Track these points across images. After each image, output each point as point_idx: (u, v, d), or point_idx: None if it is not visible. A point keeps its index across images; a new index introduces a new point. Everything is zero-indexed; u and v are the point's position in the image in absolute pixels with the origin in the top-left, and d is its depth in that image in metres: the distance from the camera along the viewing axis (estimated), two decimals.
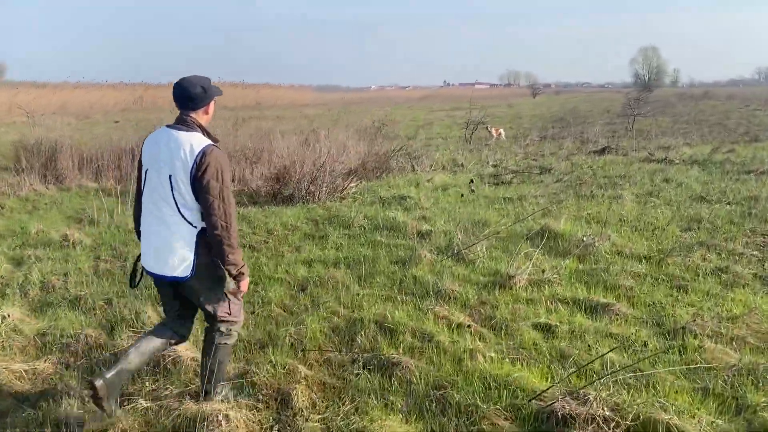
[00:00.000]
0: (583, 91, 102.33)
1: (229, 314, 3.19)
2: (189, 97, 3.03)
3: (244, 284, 3.13)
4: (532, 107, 41.19)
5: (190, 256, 2.98)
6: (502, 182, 10.90)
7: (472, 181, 9.74)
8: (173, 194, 2.96)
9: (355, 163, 11.56)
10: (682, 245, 6.32)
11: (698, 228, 7.07)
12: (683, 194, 9.16)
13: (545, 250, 6.23)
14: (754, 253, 6.04)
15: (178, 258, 2.99)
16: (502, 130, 17.80)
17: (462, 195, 9.38)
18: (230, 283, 3.04)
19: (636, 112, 21.37)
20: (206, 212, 2.93)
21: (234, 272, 3.01)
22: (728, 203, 8.39)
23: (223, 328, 3.21)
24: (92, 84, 47.04)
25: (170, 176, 2.95)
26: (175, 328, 3.27)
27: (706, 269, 5.58)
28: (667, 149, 14.37)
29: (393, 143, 16.44)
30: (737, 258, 5.92)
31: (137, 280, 3.34)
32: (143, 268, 3.19)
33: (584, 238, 6.35)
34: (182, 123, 3.05)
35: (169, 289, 3.19)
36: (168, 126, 3.10)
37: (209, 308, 3.15)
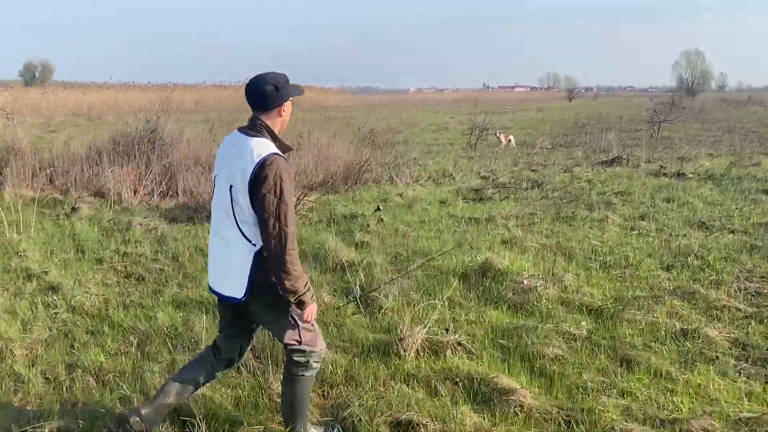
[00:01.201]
0: (623, 95, 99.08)
1: (299, 342, 2.85)
2: (258, 95, 2.74)
3: (308, 312, 2.79)
4: (561, 112, 39.32)
5: (245, 276, 2.71)
6: (482, 198, 9.62)
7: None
8: (233, 207, 2.70)
9: (333, 171, 10.47)
10: (651, 292, 5.00)
11: (682, 266, 5.71)
12: (681, 218, 7.74)
13: (476, 295, 5.00)
14: (741, 306, 4.68)
15: (234, 276, 2.76)
16: (512, 137, 16.41)
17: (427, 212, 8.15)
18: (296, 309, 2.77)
19: (662, 118, 19.67)
20: (261, 230, 2.65)
21: (293, 300, 2.71)
22: (731, 231, 6.97)
23: (296, 357, 2.89)
24: (121, 84, 47.50)
25: (231, 186, 2.70)
26: (224, 348, 3.02)
27: (667, 332, 4.26)
28: (684, 161, 12.81)
29: (385, 150, 15.39)
30: (716, 314, 4.57)
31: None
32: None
33: (524, 281, 5.08)
34: (251, 126, 2.78)
35: (227, 308, 2.94)
36: (239, 129, 2.82)
37: (276, 334, 2.92)
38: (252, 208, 2.65)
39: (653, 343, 4.09)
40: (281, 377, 3.09)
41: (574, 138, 19.13)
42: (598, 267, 5.71)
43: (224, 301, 2.88)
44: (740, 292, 5.01)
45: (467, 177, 11.83)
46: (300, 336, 2.83)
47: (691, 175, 11.04)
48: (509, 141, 16.17)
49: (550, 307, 4.72)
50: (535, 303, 4.77)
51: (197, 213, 8.07)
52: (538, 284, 5.00)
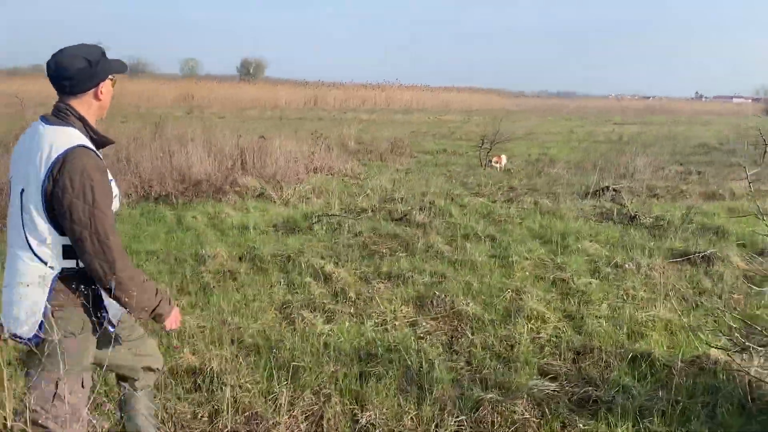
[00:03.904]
0: None
1: (53, 418, 2.23)
2: (64, 74, 2.16)
3: (169, 322, 2.36)
4: (729, 127, 32.73)
5: (37, 308, 2.12)
6: (299, 229, 7.70)
7: None
8: (23, 216, 2.13)
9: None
10: None
11: None
12: None
13: None
14: None
15: (19, 308, 2.14)
16: (504, 158, 13.54)
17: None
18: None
19: None
20: (77, 250, 2.11)
21: (146, 317, 2.29)
22: None
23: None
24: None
25: (22, 191, 2.13)
26: None
27: None
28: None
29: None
30: None
31: None
32: None
33: None
34: (55, 113, 2.21)
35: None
36: (41, 117, 2.23)
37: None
38: (52, 221, 2.10)
39: None
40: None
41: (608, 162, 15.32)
42: None
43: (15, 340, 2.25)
44: None
45: (367, 198, 9.75)
46: (54, 405, 2.21)
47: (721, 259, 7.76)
48: (498, 163, 13.37)
49: None
50: None
51: None
52: None
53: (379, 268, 5.98)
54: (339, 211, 8.79)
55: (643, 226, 8.17)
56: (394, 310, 4.86)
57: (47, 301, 2.15)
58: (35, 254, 2.14)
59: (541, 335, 4.47)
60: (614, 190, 10.49)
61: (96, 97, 2.25)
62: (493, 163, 13.11)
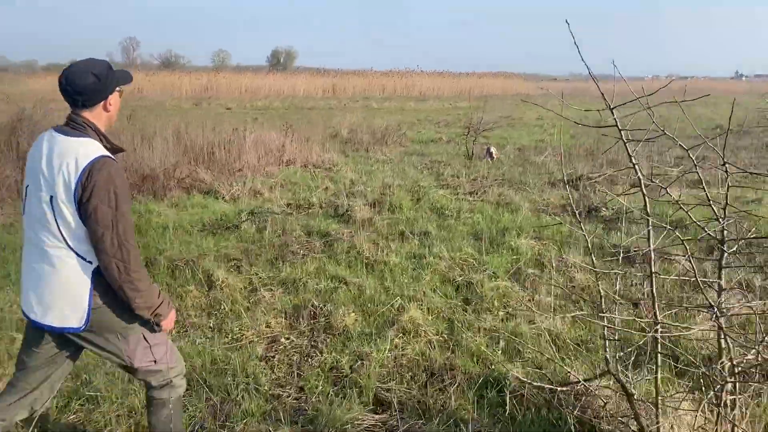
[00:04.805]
0: None
1: (155, 362, 2.55)
2: (77, 89, 2.34)
3: (166, 323, 2.54)
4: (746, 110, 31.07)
5: (83, 301, 2.35)
6: (227, 227, 7.32)
7: None
8: (57, 222, 2.32)
9: None
10: None
11: None
12: None
13: None
14: None
15: (65, 302, 2.35)
16: (493, 149, 12.83)
17: None
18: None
19: None
20: (95, 248, 2.32)
21: (148, 316, 2.44)
22: None
23: (154, 381, 2.59)
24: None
25: (51, 198, 2.31)
26: (25, 389, 2.52)
27: None
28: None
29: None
30: None
31: None
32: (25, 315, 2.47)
33: None
34: (71, 125, 2.39)
35: (50, 338, 2.45)
36: (55, 128, 2.41)
37: (123, 361, 2.51)
38: (81, 221, 2.30)
39: None
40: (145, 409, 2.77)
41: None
42: None
43: (50, 331, 2.42)
44: None
45: (325, 192, 9.33)
46: (153, 354, 2.52)
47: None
48: (490, 153, 12.67)
49: None
50: None
51: None
52: None
53: (280, 272, 5.56)
54: (285, 206, 8.40)
55: (600, 219, 7.56)
56: (266, 324, 4.44)
57: (89, 293, 2.35)
58: (75, 252, 2.33)
59: (406, 352, 3.99)
60: (589, 178, 9.83)
61: (105, 108, 2.43)
62: (492, 154, 12.43)
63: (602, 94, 2.60)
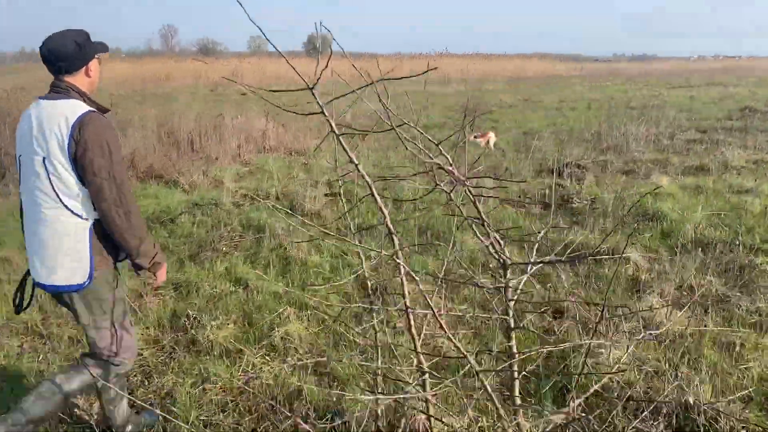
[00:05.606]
0: None
1: (115, 354, 2.63)
2: (59, 56, 2.44)
3: (161, 274, 2.66)
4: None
5: (85, 256, 2.42)
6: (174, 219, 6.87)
7: None
8: (51, 182, 2.38)
9: None
10: None
11: None
12: None
13: None
14: None
15: (69, 259, 2.42)
16: (491, 135, 11.95)
17: None
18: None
19: None
20: (95, 199, 2.39)
21: (147, 265, 2.54)
22: None
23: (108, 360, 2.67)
24: None
25: (44, 159, 2.38)
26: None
27: None
28: None
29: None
30: None
31: (25, 302, 2.67)
32: (33, 281, 2.56)
33: None
34: (55, 90, 2.47)
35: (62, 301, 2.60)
36: (40, 97, 2.50)
37: (89, 335, 2.60)
38: (78, 177, 2.37)
39: None
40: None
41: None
42: None
43: (56, 292, 2.53)
44: None
45: (292, 181, 8.80)
46: (117, 346, 2.62)
47: None
48: (487, 142, 11.82)
49: None
50: None
51: None
52: None
53: (185, 274, 5.08)
54: (240, 198, 7.93)
55: (571, 212, 6.85)
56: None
57: (89, 250, 2.42)
58: (70, 210, 2.39)
59: (263, 372, 3.45)
60: (578, 166, 9.06)
61: (87, 74, 2.52)
62: (476, 140, 11.64)
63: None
